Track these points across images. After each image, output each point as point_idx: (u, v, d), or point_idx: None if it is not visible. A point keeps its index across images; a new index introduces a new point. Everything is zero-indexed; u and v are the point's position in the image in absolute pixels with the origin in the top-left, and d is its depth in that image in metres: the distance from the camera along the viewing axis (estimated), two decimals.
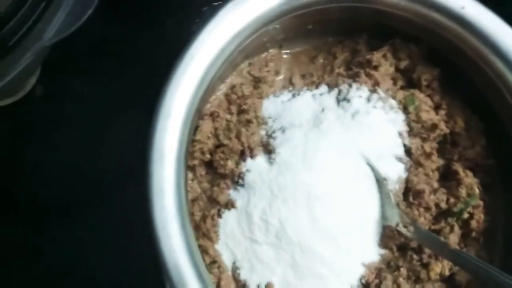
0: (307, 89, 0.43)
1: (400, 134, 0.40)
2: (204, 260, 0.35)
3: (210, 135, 0.38)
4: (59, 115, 0.49)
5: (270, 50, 0.45)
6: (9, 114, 0.48)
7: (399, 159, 0.39)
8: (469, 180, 0.39)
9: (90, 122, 0.48)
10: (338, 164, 0.37)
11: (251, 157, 0.38)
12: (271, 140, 0.39)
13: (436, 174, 0.40)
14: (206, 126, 0.38)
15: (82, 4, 0.33)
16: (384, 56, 0.42)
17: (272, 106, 0.42)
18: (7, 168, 0.47)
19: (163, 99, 0.34)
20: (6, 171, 0.47)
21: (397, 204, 0.38)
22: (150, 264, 0.33)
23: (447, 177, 0.40)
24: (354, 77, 0.42)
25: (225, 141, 0.38)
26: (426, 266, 0.36)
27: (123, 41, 0.51)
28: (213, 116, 0.39)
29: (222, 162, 0.38)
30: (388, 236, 0.37)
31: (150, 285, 0.40)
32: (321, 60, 0.45)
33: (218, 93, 0.42)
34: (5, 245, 0.46)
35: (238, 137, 0.38)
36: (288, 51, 0.45)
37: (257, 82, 0.43)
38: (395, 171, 0.38)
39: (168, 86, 0.35)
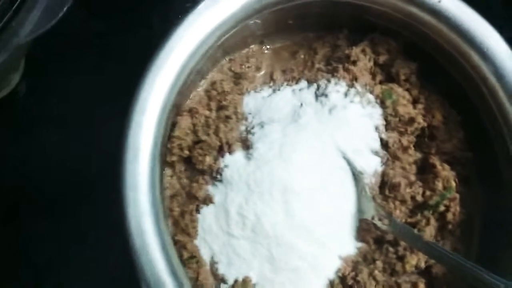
0: (288, 85, 0.43)
1: (377, 128, 0.40)
2: (182, 255, 0.35)
3: (188, 131, 0.39)
4: (44, 111, 0.49)
5: (251, 46, 0.45)
6: None
7: (376, 153, 0.39)
8: (445, 173, 0.39)
9: (75, 118, 0.49)
10: (315, 158, 0.37)
11: (229, 152, 0.39)
12: (249, 136, 0.39)
13: (413, 167, 0.40)
14: (185, 122, 0.39)
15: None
16: (363, 51, 0.42)
17: (252, 102, 0.42)
18: None
19: (139, 94, 0.35)
20: None
21: (373, 198, 0.38)
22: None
23: (424, 170, 0.40)
24: (333, 72, 0.42)
25: (204, 137, 0.38)
26: (401, 258, 0.37)
27: (106, 36, 0.51)
28: (192, 112, 0.39)
29: (200, 158, 0.38)
30: (364, 229, 0.38)
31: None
32: (302, 56, 0.45)
33: (198, 89, 0.42)
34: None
35: (216, 133, 0.39)
36: (269, 46, 0.46)
37: (237, 78, 0.43)
38: (372, 165, 0.39)
39: (144, 81, 0.35)
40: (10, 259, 0.45)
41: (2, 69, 0.35)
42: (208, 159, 0.38)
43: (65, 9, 0.33)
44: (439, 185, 0.38)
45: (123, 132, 0.33)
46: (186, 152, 0.39)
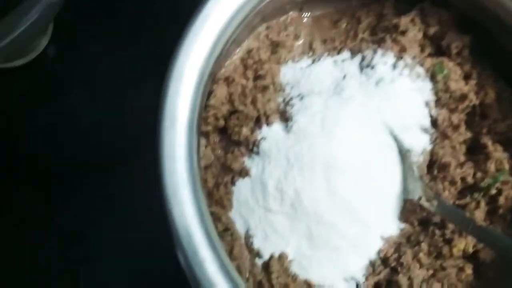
0: (328, 55, 0.40)
1: (427, 104, 0.37)
2: (216, 227, 0.34)
3: (224, 101, 0.37)
4: (73, 76, 0.48)
5: (290, 13, 0.42)
6: (22, 75, 0.47)
7: (425, 130, 0.37)
8: (498, 154, 0.36)
9: (104, 84, 0.47)
10: (360, 134, 0.35)
11: (267, 124, 0.36)
12: (288, 108, 0.37)
13: (463, 147, 0.38)
14: (221, 91, 0.37)
15: None
16: (412, 21, 0.39)
17: (290, 72, 0.40)
18: (21, 130, 0.47)
19: (175, 62, 0.32)
20: (20, 133, 0.47)
21: (421, 177, 0.36)
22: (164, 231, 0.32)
23: (475, 151, 0.38)
24: (380, 43, 0.39)
25: (240, 107, 0.36)
26: (449, 242, 0.35)
27: (140, 1, 0.49)
28: (228, 81, 0.37)
29: (236, 129, 0.36)
30: (409, 210, 0.36)
31: (162, 251, 0.40)
32: (344, 25, 0.43)
33: (233, 58, 0.40)
34: (19, 208, 0.46)
35: (253, 103, 0.36)
36: (308, 14, 0.43)
37: (275, 46, 0.41)
38: (420, 143, 0.36)
39: (181, 49, 0.33)
40: (38, 223, 0.44)
41: (33, 30, 0.33)
42: (245, 130, 0.36)
43: None
44: (492, 167, 0.36)
45: (160, 100, 0.31)
46: (222, 122, 0.37)
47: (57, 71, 0.47)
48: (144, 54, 0.46)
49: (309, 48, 0.42)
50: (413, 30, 0.39)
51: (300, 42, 0.43)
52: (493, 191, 0.36)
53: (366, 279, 0.34)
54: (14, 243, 0.45)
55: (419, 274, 0.34)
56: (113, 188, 0.44)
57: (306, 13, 0.43)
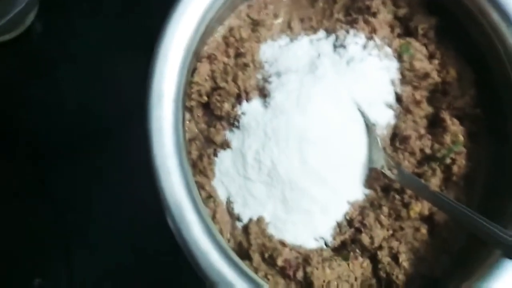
0: (305, 34, 0.43)
1: (393, 82, 0.41)
2: (200, 195, 0.37)
3: (207, 78, 0.40)
4: (60, 52, 0.50)
5: None
6: (9, 50, 0.48)
7: (389, 106, 0.41)
8: (455, 127, 0.41)
9: (91, 59, 0.49)
10: (331, 109, 0.39)
11: (247, 100, 0.40)
12: (266, 84, 0.40)
13: (424, 121, 0.42)
14: (204, 68, 0.39)
15: None
16: (383, 3, 0.43)
17: (269, 50, 0.43)
18: (10, 104, 0.49)
19: (161, 41, 0.35)
20: (9, 107, 0.49)
21: (384, 148, 0.40)
22: (150, 200, 0.36)
23: (435, 124, 0.42)
24: (352, 23, 0.42)
25: (222, 84, 0.39)
26: (406, 205, 0.39)
27: None
28: (211, 58, 0.40)
29: (218, 104, 0.39)
30: (373, 177, 0.40)
31: (150, 219, 0.43)
32: (321, 4, 0.45)
33: (216, 35, 0.43)
34: (12, 181, 0.48)
35: (234, 80, 0.39)
36: None
37: (255, 25, 0.43)
38: (385, 117, 0.40)
39: (167, 27, 0.36)
40: (32, 196, 0.47)
41: (26, 10, 0.35)
42: (226, 106, 0.39)
43: None
44: (448, 139, 0.40)
45: (147, 78, 0.34)
46: (205, 98, 0.40)
47: (45, 45, 0.49)
48: (131, 29, 0.48)
49: (288, 26, 0.45)
50: (383, 12, 0.42)
51: (279, 20, 0.45)
52: (448, 161, 0.40)
53: (334, 238, 0.39)
54: (10, 213, 0.48)
55: (380, 233, 0.38)
56: (102, 160, 0.47)
57: None
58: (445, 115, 0.41)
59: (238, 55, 0.41)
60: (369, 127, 0.39)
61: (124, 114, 0.46)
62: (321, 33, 0.43)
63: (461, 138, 0.40)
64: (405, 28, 0.44)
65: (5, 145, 0.49)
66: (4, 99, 0.49)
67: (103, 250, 0.47)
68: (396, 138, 0.41)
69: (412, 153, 0.40)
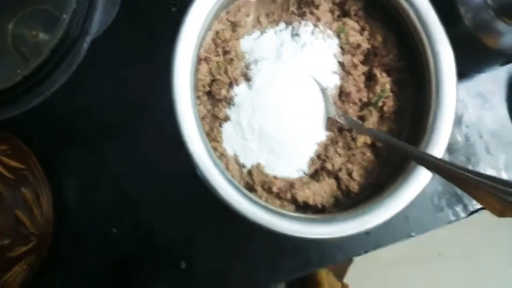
0: (270, 27, 0.59)
1: (335, 55, 0.57)
2: (215, 154, 0.56)
3: (206, 74, 0.56)
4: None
5: None
6: None
7: (334, 73, 0.57)
8: (383, 79, 0.57)
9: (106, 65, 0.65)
10: (294, 83, 0.55)
11: (237, 85, 0.56)
12: (248, 71, 0.56)
13: (362, 78, 0.58)
14: (203, 68, 0.55)
15: (111, 3, 0.47)
16: None
17: (247, 43, 0.58)
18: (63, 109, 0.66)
19: (176, 53, 0.50)
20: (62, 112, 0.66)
21: (334, 103, 0.57)
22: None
23: (370, 79, 0.59)
24: (302, 16, 0.57)
25: (218, 77, 0.55)
26: (354, 139, 0.56)
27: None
28: (207, 60, 0.56)
29: (217, 91, 0.56)
30: (330, 123, 0.57)
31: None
32: (279, 0, 0.60)
33: (207, 39, 0.58)
34: (78, 163, 0.67)
35: (226, 72, 0.55)
36: None
37: (234, 26, 0.58)
38: (332, 81, 0.57)
39: (178, 42, 0.50)
40: (91, 174, 0.66)
41: None
42: (223, 91, 0.56)
43: (117, 8, 0.48)
44: (378, 89, 0.57)
45: (169, 80, 0.50)
46: (207, 88, 0.56)
47: None
48: (137, 43, 0.64)
49: (257, 21, 0.60)
50: (324, 4, 0.57)
51: (251, 17, 0.60)
52: (380, 104, 0.57)
53: (309, 168, 0.57)
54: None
55: (338, 161, 0.56)
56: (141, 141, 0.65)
57: None
58: (376, 71, 0.57)
59: (225, 52, 0.57)
60: (323, 91, 0.56)
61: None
62: (282, 25, 0.58)
63: (388, 86, 0.57)
64: (341, 10, 0.59)
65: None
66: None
67: None
68: (342, 94, 0.58)
69: (354, 103, 0.57)
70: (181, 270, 0.64)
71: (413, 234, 0.68)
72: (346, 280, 1.19)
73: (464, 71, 0.69)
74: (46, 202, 0.60)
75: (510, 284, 1.51)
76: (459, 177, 0.40)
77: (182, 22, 0.52)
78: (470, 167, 0.70)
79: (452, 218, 0.68)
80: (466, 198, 0.69)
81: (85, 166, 0.66)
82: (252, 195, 0.52)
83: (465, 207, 0.68)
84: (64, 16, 0.47)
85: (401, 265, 1.42)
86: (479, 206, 0.69)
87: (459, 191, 0.69)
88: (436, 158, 0.46)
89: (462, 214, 0.68)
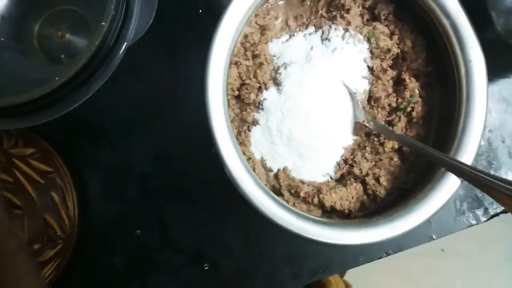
0: (299, 30, 0.58)
1: (365, 60, 0.57)
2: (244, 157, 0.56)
3: (236, 78, 0.56)
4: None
5: (270, 1, 0.59)
6: None
7: (364, 77, 0.57)
8: (412, 84, 0.57)
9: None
10: (324, 88, 0.55)
11: (266, 89, 0.56)
12: (277, 75, 0.56)
13: (391, 83, 0.58)
14: (233, 72, 0.55)
15: (147, 11, 0.47)
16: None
17: (275, 47, 0.58)
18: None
19: (211, 55, 0.50)
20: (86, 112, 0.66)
21: (363, 108, 0.57)
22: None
23: (398, 84, 0.58)
24: (333, 19, 0.57)
25: (247, 81, 0.55)
26: (382, 144, 0.56)
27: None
28: (237, 64, 0.56)
29: (247, 95, 0.56)
30: (358, 128, 0.57)
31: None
32: (308, 3, 0.60)
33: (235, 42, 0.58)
34: (101, 163, 0.67)
35: (255, 76, 0.55)
36: None
37: (262, 29, 0.58)
38: (362, 86, 0.57)
39: (212, 47, 0.50)
40: (118, 170, 0.67)
41: None
42: (252, 95, 0.56)
43: (153, 16, 0.48)
44: (407, 94, 0.57)
45: (203, 85, 0.50)
46: (236, 92, 0.56)
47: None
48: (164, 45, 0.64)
49: (286, 24, 0.60)
50: (354, 7, 0.57)
51: (279, 20, 0.60)
52: (409, 109, 0.57)
53: (335, 173, 0.57)
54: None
55: (365, 165, 0.56)
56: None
57: None
58: (405, 76, 0.57)
59: (254, 56, 0.56)
60: (352, 95, 0.56)
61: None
62: (311, 28, 0.58)
63: (417, 91, 0.57)
64: (371, 14, 0.59)
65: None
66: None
67: None
68: (371, 99, 0.58)
69: (383, 108, 0.57)
70: (205, 271, 0.65)
71: (434, 237, 0.68)
72: (347, 275, 1.20)
73: (488, 75, 0.69)
74: (71, 204, 0.60)
75: None
76: (489, 185, 0.40)
77: (217, 26, 0.51)
78: (492, 172, 0.70)
79: (473, 221, 0.68)
80: (487, 201, 0.69)
81: (109, 166, 0.66)
82: (281, 200, 0.52)
83: (486, 210, 0.68)
84: (103, 23, 0.47)
85: (404, 262, 1.43)
86: (499, 209, 0.69)
87: (480, 195, 0.69)
88: (468, 166, 0.46)
89: (483, 218, 0.69)
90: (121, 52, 0.48)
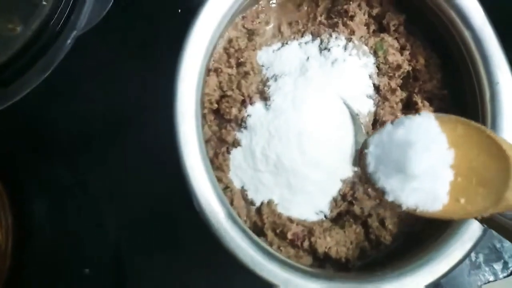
0: (294, 38, 0.50)
1: (371, 76, 0.48)
2: (219, 186, 0.45)
3: (215, 88, 0.46)
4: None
5: (260, 2, 0.50)
6: None
7: (369, 97, 0.48)
8: (425, 109, 0.48)
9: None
10: (321, 106, 0.46)
11: (251, 104, 0.46)
12: (265, 88, 0.47)
13: (400, 105, 0.49)
14: (212, 80, 0.46)
15: None
16: (359, 5, 0.48)
17: (265, 55, 0.49)
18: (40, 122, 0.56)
19: (181, 64, 0.41)
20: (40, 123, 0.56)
21: (367, 133, 0.47)
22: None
23: (409, 107, 0.49)
24: (334, 27, 0.48)
25: (229, 92, 0.46)
26: None
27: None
28: (217, 71, 0.46)
29: (227, 110, 0.46)
30: (360, 157, 0.48)
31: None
32: (306, 8, 0.51)
33: (218, 47, 0.49)
34: (52, 182, 0.56)
35: (239, 88, 0.46)
36: (275, 0, 0.51)
37: (250, 34, 0.49)
38: (366, 107, 0.48)
39: (184, 52, 0.41)
40: (74, 195, 0.55)
41: None
42: (234, 110, 0.46)
43: (109, 7, 0.38)
44: None
45: (172, 98, 0.40)
46: (215, 105, 0.47)
47: None
48: (133, 42, 0.54)
49: (278, 31, 0.51)
50: (359, 14, 0.48)
51: (270, 26, 0.51)
52: None
53: (331, 211, 0.47)
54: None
55: (368, 204, 0.47)
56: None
57: (273, 0, 0.51)
58: (417, 98, 0.48)
59: (239, 64, 0.47)
60: (354, 117, 0.47)
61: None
62: (308, 37, 0.49)
63: None
64: (379, 24, 0.50)
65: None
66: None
67: None
68: (377, 123, 0.48)
69: None
70: None
71: None
72: None
73: None
74: (3, 231, 0.48)
75: None
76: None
77: (191, 25, 0.42)
78: None
79: (490, 278, 0.58)
80: (507, 253, 0.58)
81: (60, 186, 0.56)
82: (262, 242, 0.42)
83: (505, 265, 0.58)
84: (44, 2, 0.38)
85: None
86: None
87: (498, 245, 0.59)
88: None
89: (502, 274, 0.58)
90: (68, 41, 0.38)
